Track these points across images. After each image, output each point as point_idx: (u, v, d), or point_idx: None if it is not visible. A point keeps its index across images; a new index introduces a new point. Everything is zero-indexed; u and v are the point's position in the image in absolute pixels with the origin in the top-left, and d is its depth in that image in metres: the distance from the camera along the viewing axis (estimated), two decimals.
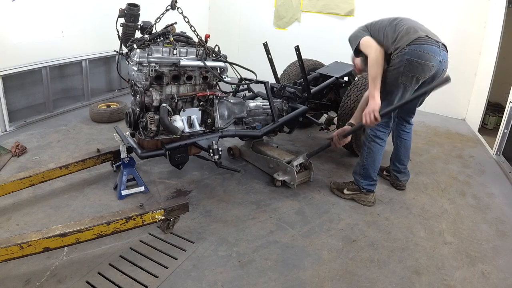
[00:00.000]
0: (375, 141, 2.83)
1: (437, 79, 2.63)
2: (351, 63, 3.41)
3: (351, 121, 3.01)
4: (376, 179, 2.94)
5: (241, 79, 3.16)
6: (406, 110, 3.02)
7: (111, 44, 3.06)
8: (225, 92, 3.01)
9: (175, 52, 2.62)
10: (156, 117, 2.54)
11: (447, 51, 2.64)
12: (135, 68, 2.57)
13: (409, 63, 2.51)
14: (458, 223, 2.77)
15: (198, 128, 2.78)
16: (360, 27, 2.81)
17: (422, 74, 2.55)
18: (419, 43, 2.50)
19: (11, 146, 3.50)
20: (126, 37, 2.69)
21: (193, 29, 2.71)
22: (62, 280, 2.02)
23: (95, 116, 4.37)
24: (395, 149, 3.19)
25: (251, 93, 3.71)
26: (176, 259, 2.24)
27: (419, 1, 5.25)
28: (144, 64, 2.54)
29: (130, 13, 2.60)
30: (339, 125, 3.61)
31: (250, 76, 2.97)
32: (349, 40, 2.80)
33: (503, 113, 4.04)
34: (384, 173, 3.39)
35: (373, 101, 2.55)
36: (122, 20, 2.64)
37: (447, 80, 2.41)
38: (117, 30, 2.70)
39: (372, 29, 2.73)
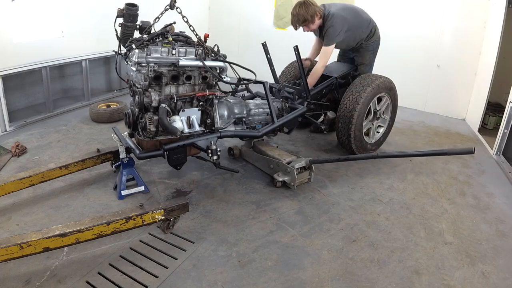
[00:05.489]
0: None
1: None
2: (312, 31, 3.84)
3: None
4: None
5: (239, 79, 3.15)
6: None
7: (111, 44, 3.06)
8: (225, 92, 3.00)
9: (174, 52, 2.61)
10: (155, 117, 2.53)
11: None
12: (134, 69, 2.56)
13: None
14: (458, 223, 2.77)
15: (197, 128, 2.78)
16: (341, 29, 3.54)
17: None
18: None
19: (11, 146, 3.50)
20: (124, 37, 2.69)
21: (192, 29, 2.70)
22: (62, 280, 2.02)
23: (95, 116, 4.37)
24: None
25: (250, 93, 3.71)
26: (176, 259, 2.24)
27: (419, 1, 5.25)
28: (143, 64, 2.53)
29: (129, 13, 2.59)
30: (339, 126, 3.61)
31: (250, 76, 2.97)
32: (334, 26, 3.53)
33: (503, 113, 4.04)
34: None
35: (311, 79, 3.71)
36: (120, 20, 2.64)
37: (471, 151, 2.54)
38: (116, 30, 2.70)
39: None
